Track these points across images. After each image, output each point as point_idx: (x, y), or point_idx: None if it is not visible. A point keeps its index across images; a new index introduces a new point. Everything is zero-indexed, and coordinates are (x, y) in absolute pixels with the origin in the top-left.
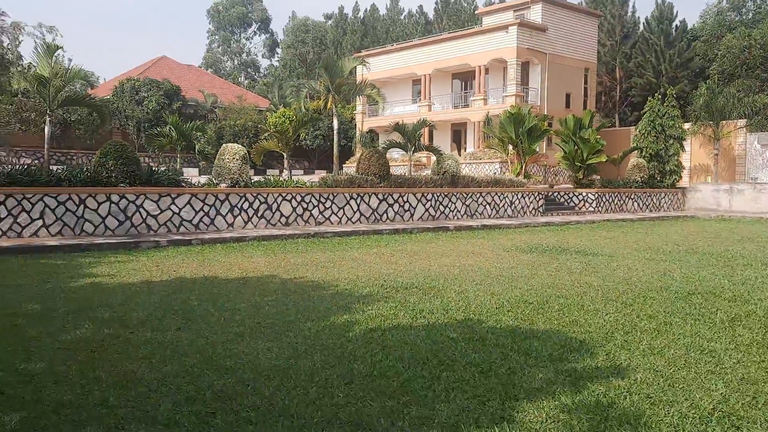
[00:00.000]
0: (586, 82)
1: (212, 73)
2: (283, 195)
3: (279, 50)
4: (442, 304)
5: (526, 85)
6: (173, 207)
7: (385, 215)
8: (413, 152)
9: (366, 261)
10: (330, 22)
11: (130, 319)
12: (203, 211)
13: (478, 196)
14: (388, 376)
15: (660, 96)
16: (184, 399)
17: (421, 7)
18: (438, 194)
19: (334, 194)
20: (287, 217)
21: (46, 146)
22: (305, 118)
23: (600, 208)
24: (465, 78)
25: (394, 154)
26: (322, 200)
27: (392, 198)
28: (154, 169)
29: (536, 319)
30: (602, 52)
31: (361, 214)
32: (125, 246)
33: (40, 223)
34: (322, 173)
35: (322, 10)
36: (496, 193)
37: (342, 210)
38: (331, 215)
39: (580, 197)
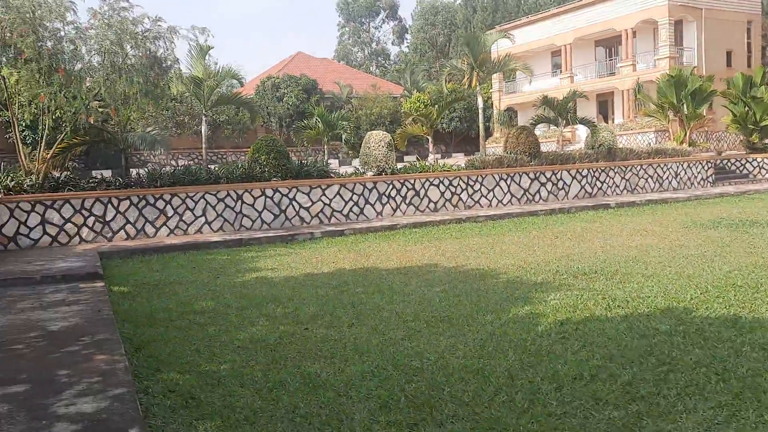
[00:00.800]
0: (749, 37)
1: (345, 65)
2: (431, 180)
3: (408, 36)
4: (635, 290)
5: (680, 45)
6: (324, 198)
7: (537, 195)
8: (564, 126)
9: (528, 245)
10: (459, 1)
11: (302, 315)
12: (352, 200)
13: (638, 168)
14: (601, 379)
15: None
16: (379, 406)
17: None
18: (594, 169)
19: (483, 176)
20: (435, 203)
21: (203, 146)
22: (449, 99)
23: None
24: (609, 44)
25: (536, 130)
26: (471, 183)
27: (544, 176)
28: (302, 161)
29: (757, 305)
30: (765, 3)
31: (512, 196)
32: (282, 239)
33: (203, 220)
34: (459, 156)
35: None
36: (659, 165)
37: (492, 192)
38: (480, 198)
39: (755, 164)
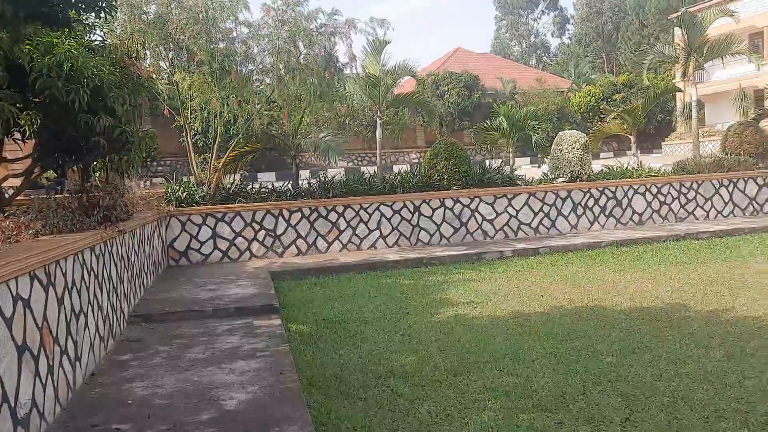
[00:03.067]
0: None
1: (507, 59)
2: (635, 187)
3: (570, 26)
4: None
5: None
6: (510, 209)
7: (767, 205)
8: None
9: None
10: None
11: (540, 391)
12: (542, 212)
13: None
14: None
15: None
16: None
17: None
18: None
19: (698, 182)
20: (640, 215)
21: (378, 150)
22: (657, 91)
23: None
24: None
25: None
26: (683, 191)
27: None
28: (485, 167)
29: None
30: None
31: (735, 206)
32: (467, 258)
33: (377, 234)
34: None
35: None
36: None
37: (709, 201)
38: (695, 209)
39: None
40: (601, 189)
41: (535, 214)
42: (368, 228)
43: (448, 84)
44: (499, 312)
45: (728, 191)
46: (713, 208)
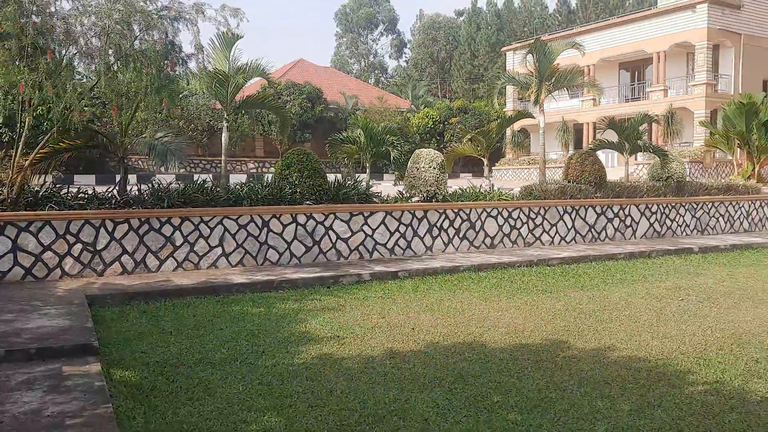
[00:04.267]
0: None
1: (350, 76)
2: (488, 210)
3: (407, 50)
4: None
5: (715, 71)
6: (366, 228)
7: (603, 232)
8: (630, 154)
9: (658, 310)
10: (462, 18)
11: None
12: (399, 232)
13: (709, 206)
14: None
15: None
16: None
17: None
18: (663, 205)
19: (546, 208)
20: (492, 238)
21: (223, 157)
22: (512, 116)
23: None
24: (634, 68)
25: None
26: (532, 216)
27: (612, 211)
28: (340, 182)
29: None
30: None
31: (577, 232)
32: (323, 281)
33: (219, 251)
34: (467, 177)
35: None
36: (731, 203)
37: (554, 227)
38: (542, 234)
39: None
40: (456, 210)
41: (392, 233)
42: (209, 244)
43: (291, 95)
44: (370, 350)
45: (571, 218)
46: (557, 234)
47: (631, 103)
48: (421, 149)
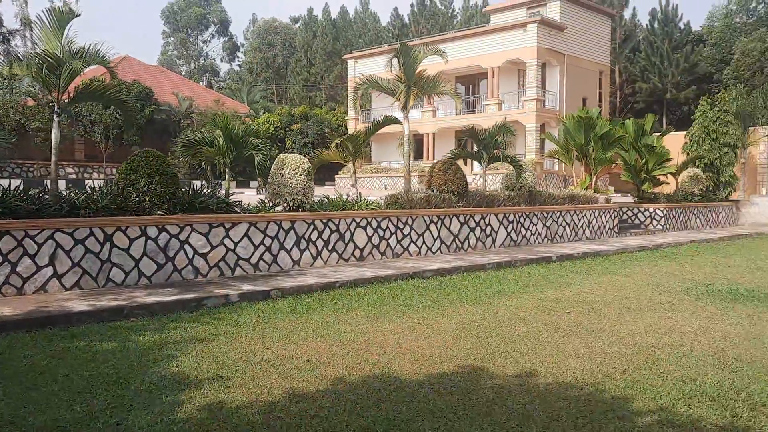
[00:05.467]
0: (600, 87)
1: (183, 77)
2: (357, 221)
3: (240, 54)
4: None
5: (543, 88)
6: (227, 241)
7: (466, 242)
8: (488, 163)
9: (554, 325)
10: (298, 24)
11: None
12: (264, 245)
13: (558, 215)
14: None
15: (709, 100)
16: None
17: (396, 9)
18: (519, 215)
19: (413, 218)
20: (362, 249)
21: (53, 158)
22: (380, 121)
23: (668, 226)
24: (470, 81)
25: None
26: (401, 226)
27: (474, 220)
28: (196, 189)
29: None
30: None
31: (442, 242)
32: (185, 305)
33: (49, 271)
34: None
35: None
36: (575, 212)
37: (421, 237)
38: (409, 245)
39: (647, 213)
40: (325, 221)
41: (256, 247)
42: (36, 264)
43: (118, 93)
44: (267, 394)
45: (437, 228)
46: (425, 244)
47: (468, 116)
48: (287, 154)
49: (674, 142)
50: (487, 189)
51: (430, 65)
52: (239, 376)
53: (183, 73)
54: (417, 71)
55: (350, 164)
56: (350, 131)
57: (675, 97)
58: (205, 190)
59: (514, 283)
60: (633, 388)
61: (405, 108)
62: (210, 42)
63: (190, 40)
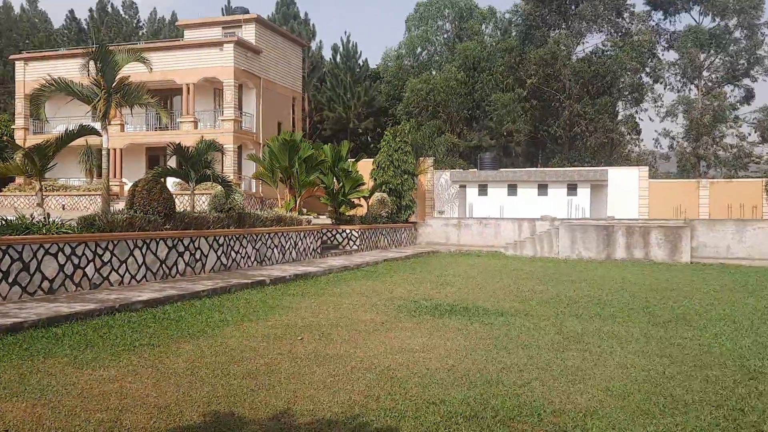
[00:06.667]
0: (293, 112)
1: None
2: (46, 247)
3: None
4: None
5: (240, 109)
6: None
7: (175, 268)
8: (196, 182)
9: (295, 354)
10: None
11: None
12: None
13: (266, 237)
14: None
15: (392, 131)
16: None
17: (72, 11)
18: (229, 237)
19: (115, 242)
20: (51, 281)
21: None
22: (74, 131)
23: (363, 246)
24: (163, 96)
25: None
26: (99, 252)
27: (183, 244)
28: None
29: None
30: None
31: (148, 269)
32: None
33: None
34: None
35: None
36: (283, 234)
37: (124, 264)
38: (110, 273)
39: (345, 234)
40: (4, 248)
41: None
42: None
43: None
44: None
45: (142, 253)
46: (128, 272)
47: (162, 132)
48: None
49: (366, 168)
50: (195, 210)
51: (128, 73)
52: None
53: None
54: (118, 78)
55: (36, 181)
56: (18, 143)
57: (357, 127)
58: None
59: (235, 311)
60: (392, 416)
61: (105, 118)
62: None
63: None
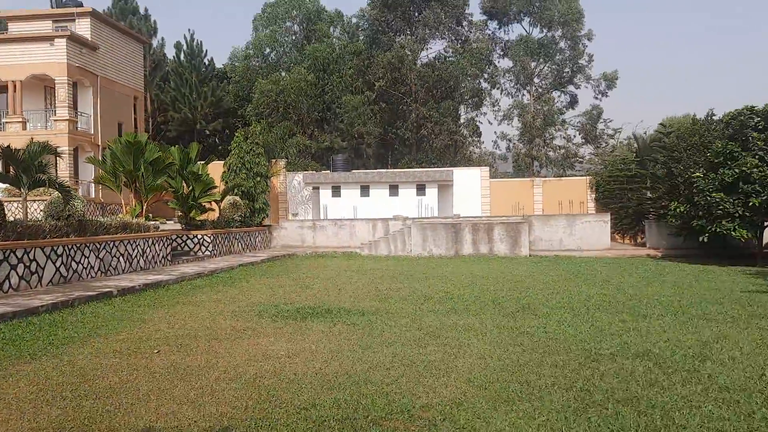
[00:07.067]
0: (135, 112)
1: None
2: None
3: None
4: None
5: (76, 109)
6: None
7: (7, 282)
8: (29, 188)
9: (152, 368)
10: None
11: None
12: None
13: (111, 246)
14: None
15: (243, 132)
16: None
17: None
18: (69, 247)
19: None
20: None
21: None
22: None
23: (216, 251)
24: None
25: None
26: None
27: (15, 256)
28: None
29: None
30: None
31: None
32: None
33: None
34: None
35: None
36: (129, 242)
37: None
38: None
39: (196, 240)
40: None
41: None
42: None
43: None
44: None
45: None
46: None
47: None
48: None
49: (217, 171)
50: (29, 218)
51: None
52: None
53: None
54: None
55: None
56: None
57: (204, 128)
58: None
59: (81, 326)
60: (264, 426)
61: None
62: None
63: None
